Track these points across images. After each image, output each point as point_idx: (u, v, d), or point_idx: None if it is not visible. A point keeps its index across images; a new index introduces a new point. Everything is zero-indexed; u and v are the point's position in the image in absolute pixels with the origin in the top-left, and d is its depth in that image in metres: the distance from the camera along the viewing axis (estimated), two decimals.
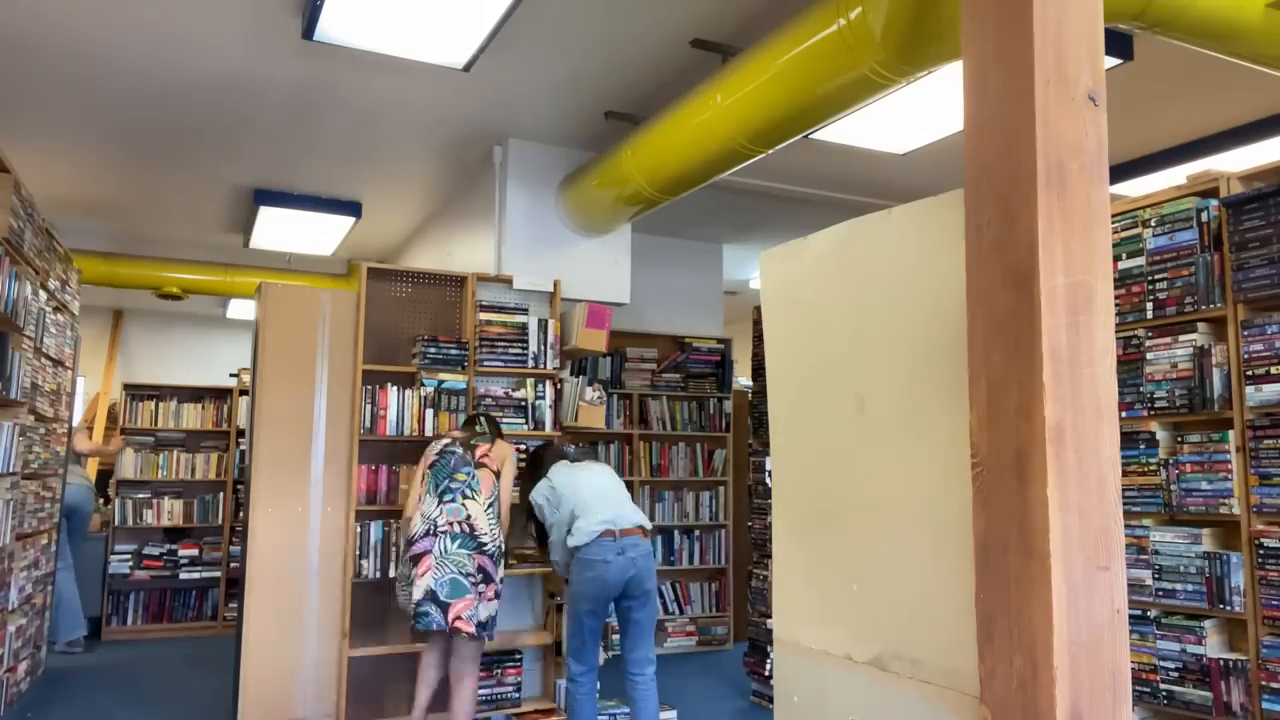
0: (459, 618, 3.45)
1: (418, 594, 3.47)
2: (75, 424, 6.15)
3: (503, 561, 3.68)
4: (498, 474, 3.76)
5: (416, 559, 3.53)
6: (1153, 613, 2.90)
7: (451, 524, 3.56)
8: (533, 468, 3.97)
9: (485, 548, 3.57)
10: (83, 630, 6.14)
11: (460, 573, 3.49)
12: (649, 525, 3.72)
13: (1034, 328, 1.57)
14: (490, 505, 3.66)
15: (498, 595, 3.59)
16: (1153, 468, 2.93)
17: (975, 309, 1.71)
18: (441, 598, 3.46)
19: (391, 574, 4.13)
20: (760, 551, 5.07)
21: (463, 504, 3.60)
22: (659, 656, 6.24)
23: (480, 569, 3.53)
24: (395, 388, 4.24)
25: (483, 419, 3.99)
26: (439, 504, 3.61)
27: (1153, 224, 2.99)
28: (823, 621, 2.25)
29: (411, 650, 4.16)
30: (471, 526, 3.57)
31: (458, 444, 3.79)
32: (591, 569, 3.51)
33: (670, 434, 6.59)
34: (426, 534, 3.55)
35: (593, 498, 3.66)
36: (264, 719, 3.94)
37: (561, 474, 3.78)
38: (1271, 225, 2.67)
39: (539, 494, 3.77)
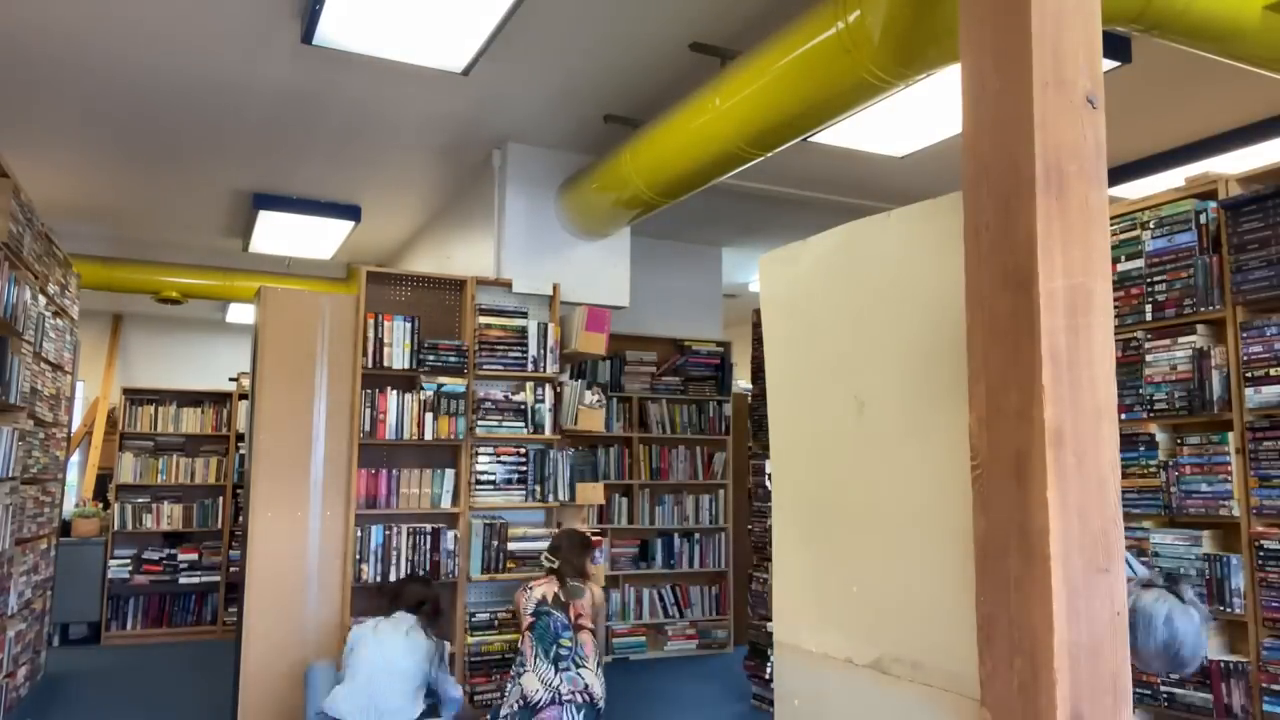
0: None
1: None
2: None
3: None
4: (593, 631, 3.77)
5: None
6: None
7: (574, 694, 3.58)
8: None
9: (601, 713, 3.66)
10: None
11: None
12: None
13: (1033, 330, 1.57)
14: (599, 666, 3.70)
15: None
16: (1152, 470, 2.93)
17: (974, 311, 1.71)
18: None
19: (392, 577, 4.14)
20: (760, 554, 5.06)
21: (579, 673, 3.62)
22: (660, 659, 6.26)
23: None
24: (395, 391, 4.24)
25: (551, 555, 3.87)
26: (557, 671, 3.60)
27: (1151, 226, 2.99)
28: (823, 625, 2.25)
29: None
30: (591, 696, 3.61)
31: (548, 603, 3.71)
32: None
33: (670, 437, 6.59)
34: (552, 702, 3.56)
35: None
36: None
37: None
38: (1270, 227, 2.67)
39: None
